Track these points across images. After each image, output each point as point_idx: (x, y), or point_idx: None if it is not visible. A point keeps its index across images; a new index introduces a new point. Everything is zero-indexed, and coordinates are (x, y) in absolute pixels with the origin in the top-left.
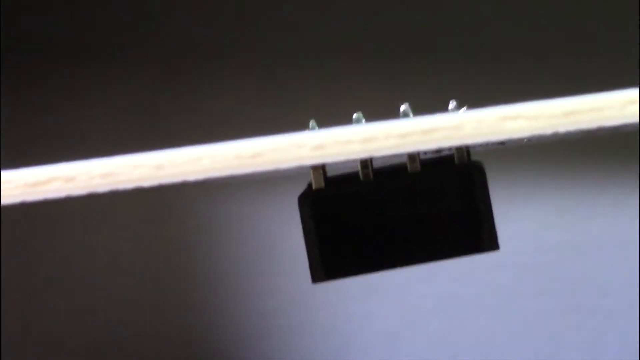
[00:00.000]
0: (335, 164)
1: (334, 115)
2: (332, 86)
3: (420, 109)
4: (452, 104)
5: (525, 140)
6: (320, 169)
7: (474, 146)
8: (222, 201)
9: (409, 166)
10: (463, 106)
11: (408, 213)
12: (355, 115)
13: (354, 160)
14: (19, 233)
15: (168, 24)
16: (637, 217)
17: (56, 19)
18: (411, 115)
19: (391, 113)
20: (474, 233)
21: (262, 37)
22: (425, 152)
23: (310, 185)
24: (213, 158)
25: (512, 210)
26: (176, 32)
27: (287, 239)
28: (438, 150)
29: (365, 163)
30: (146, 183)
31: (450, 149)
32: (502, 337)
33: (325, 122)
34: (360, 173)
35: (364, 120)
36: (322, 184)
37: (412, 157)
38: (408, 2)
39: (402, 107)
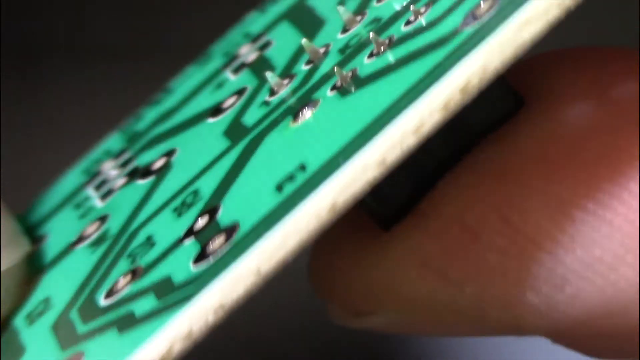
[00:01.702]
0: None
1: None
2: None
3: None
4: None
5: None
6: None
7: None
8: None
9: None
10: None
11: (447, 148)
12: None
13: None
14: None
15: (169, 23)
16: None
17: (56, 19)
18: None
19: None
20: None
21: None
22: None
23: None
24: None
25: None
26: (178, 32)
27: None
28: None
29: None
30: None
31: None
32: (501, 336)
33: None
34: None
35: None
36: None
37: None
38: None
39: None
